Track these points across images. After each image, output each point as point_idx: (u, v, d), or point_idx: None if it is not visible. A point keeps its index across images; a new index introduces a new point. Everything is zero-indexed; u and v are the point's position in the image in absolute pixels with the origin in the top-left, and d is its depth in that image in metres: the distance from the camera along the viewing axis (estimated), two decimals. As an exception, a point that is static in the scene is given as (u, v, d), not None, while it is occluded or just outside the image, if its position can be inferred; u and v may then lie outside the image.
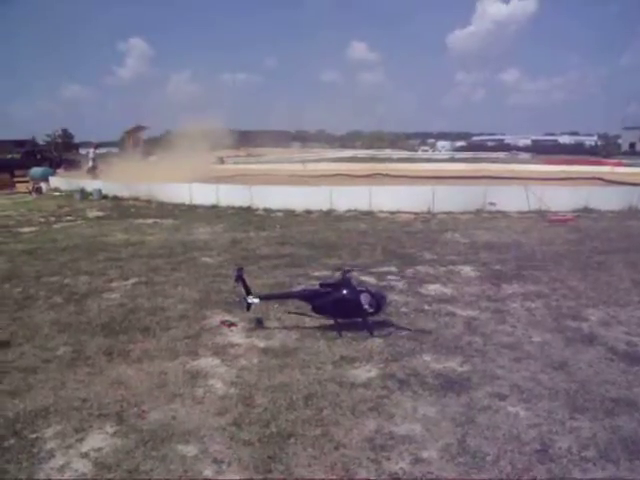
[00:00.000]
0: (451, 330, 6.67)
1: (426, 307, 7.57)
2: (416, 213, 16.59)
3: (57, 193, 25.44)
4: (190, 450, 4.17)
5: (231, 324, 6.88)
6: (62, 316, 7.36)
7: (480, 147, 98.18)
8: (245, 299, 6.72)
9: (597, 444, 4.13)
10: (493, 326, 6.80)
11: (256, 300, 6.77)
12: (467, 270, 9.66)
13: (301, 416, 4.61)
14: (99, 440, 4.34)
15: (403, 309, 7.48)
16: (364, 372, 5.50)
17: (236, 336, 6.56)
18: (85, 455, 4.13)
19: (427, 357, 5.86)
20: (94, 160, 28.52)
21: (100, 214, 18.26)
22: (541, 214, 16.03)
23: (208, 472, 3.89)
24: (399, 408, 4.75)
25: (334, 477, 3.79)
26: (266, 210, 17.77)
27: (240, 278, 6.71)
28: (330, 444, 4.19)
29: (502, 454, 4.03)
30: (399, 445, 4.18)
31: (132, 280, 9.21)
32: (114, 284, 9.04)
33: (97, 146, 33.37)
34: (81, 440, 4.34)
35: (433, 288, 8.52)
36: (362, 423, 4.50)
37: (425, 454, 4.06)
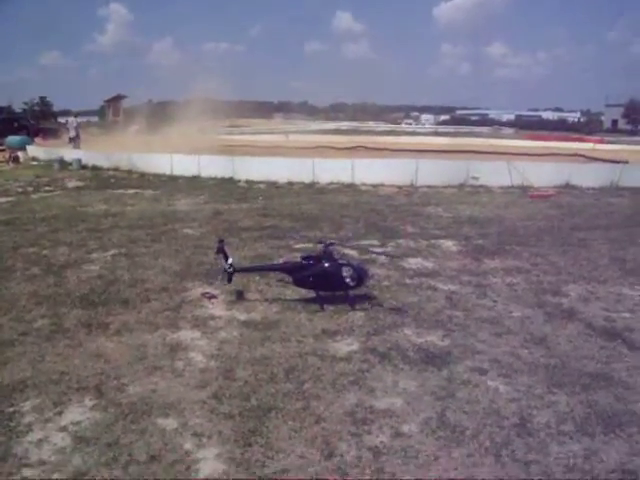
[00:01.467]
0: (432, 304, 6.68)
1: (407, 281, 7.58)
2: (399, 186, 16.54)
3: (35, 163, 24.90)
4: (170, 423, 4.14)
5: (212, 296, 6.83)
6: (40, 288, 7.24)
7: (464, 121, 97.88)
8: (226, 271, 6.65)
9: (574, 418, 4.18)
10: (474, 300, 6.83)
11: (237, 272, 6.71)
12: (449, 244, 9.68)
13: (282, 389, 4.61)
14: (78, 414, 4.29)
15: (385, 282, 7.48)
16: (345, 345, 5.50)
17: (217, 308, 6.52)
18: (64, 429, 4.09)
19: (408, 331, 5.88)
20: (76, 129, 27.65)
21: (80, 184, 17.93)
22: (523, 189, 16.08)
23: (188, 446, 3.87)
24: (380, 382, 4.76)
25: (314, 451, 3.79)
26: (248, 182, 17.59)
27: (221, 250, 6.63)
28: (311, 418, 4.19)
29: (481, 428, 4.06)
30: (379, 419, 4.19)
31: (112, 251, 9.09)
32: (93, 255, 8.92)
33: (77, 115, 32.50)
34: (60, 414, 4.29)
35: (415, 262, 8.52)
36: (343, 397, 4.51)
37: (405, 428, 4.08)
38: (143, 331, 5.84)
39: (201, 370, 4.98)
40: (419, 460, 3.70)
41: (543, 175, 16.87)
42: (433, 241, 9.88)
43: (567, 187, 16.63)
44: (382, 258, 8.64)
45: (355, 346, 5.49)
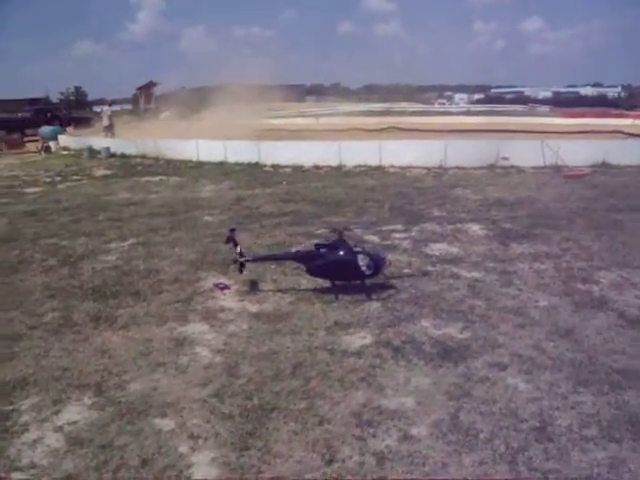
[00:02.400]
0: (453, 293, 6.36)
1: (430, 268, 7.26)
2: (427, 168, 16.06)
3: (66, 152, 25.13)
4: (167, 424, 3.96)
5: (224, 287, 6.63)
6: (54, 280, 7.18)
7: (498, 100, 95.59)
8: (237, 261, 6.44)
9: (600, 422, 3.84)
10: (498, 289, 6.48)
11: (249, 261, 6.51)
12: (475, 228, 9.28)
13: (287, 387, 4.38)
14: (75, 413, 4.15)
15: (406, 270, 7.18)
16: (358, 339, 5.25)
17: (228, 300, 6.33)
18: (59, 429, 3.96)
19: (426, 322, 5.58)
20: (110, 118, 27.58)
21: (107, 172, 17.98)
22: (557, 169, 15.44)
23: (183, 448, 3.69)
24: (391, 379, 4.50)
25: (314, 455, 3.56)
26: (274, 166, 17.35)
27: (231, 239, 6.42)
28: (314, 419, 3.96)
29: (497, 432, 3.76)
30: (387, 420, 3.93)
31: (130, 241, 8.99)
32: (112, 245, 8.83)
33: (111, 103, 32.51)
34: (57, 413, 4.16)
35: (439, 247, 8.18)
36: (350, 395, 4.26)
37: (414, 431, 3.81)
38: (151, 324, 5.69)
39: (205, 366, 4.79)
40: (426, 467, 3.43)
41: (578, 154, 16.09)
42: (459, 225, 9.49)
43: (603, 166, 15.85)
44: (404, 244, 8.33)
45: (368, 339, 5.22)
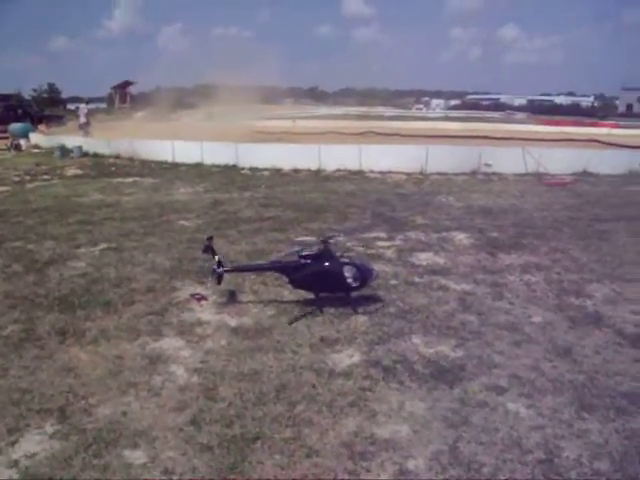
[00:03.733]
0: (443, 307, 6.06)
1: (417, 279, 6.96)
2: (408, 174, 15.83)
3: (37, 150, 24.41)
4: (138, 457, 3.56)
5: (201, 298, 6.24)
6: (18, 288, 6.69)
7: (475, 106, 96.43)
8: (215, 271, 6.05)
9: (610, 453, 3.55)
10: (490, 302, 6.20)
11: (227, 272, 6.11)
12: (461, 237, 9.02)
13: (270, 413, 4.02)
14: (35, 443, 3.72)
15: (392, 281, 6.86)
16: (345, 357, 4.90)
17: (206, 312, 5.94)
18: (14, 464, 3.51)
19: (416, 339, 5.27)
20: (86, 116, 26.84)
21: (79, 172, 17.39)
22: (539, 177, 15.32)
23: (156, 486, 3.30)
24: (383, 404, 4.16)
25: (303, 495, 3.21)
26: (252, 169, 16.96)
27: (209, 248, 6.02)
28: (302, 450, 3.60)
29: (501, 465, 3.45)
30: (381, 452, 3.60)
31: (101, 246, 8.52)
32: (81, 250, 8.35)
33: (88, 101, 31.72)
34: (13, 444, 3.72)
35: (425, 257, 7.89)
36: (340, 423, 3.91)
37: (411, 464, 3.48)
38: (122, 339, 5.26)
39: (181, 388, 4.39)
40: (427, 509, 3.11)
41: (559, 162, 16.01)
42: (444, 234, 9.22)
43: (584, 174, 15.79)
44: (389, 253, 8.03)
45: (356, 358, 4.88)
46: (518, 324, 5.61)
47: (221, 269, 6.01)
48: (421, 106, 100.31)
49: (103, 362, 4.83)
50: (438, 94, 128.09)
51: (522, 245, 8.50)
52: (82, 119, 26.45)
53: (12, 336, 5.36)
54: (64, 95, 73.62)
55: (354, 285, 5.88)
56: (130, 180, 15.45)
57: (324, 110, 68.06)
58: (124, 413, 4.05)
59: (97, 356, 4.95)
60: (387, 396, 4.27)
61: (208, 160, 18.06)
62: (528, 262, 7.65)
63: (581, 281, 6.91)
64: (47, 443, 3.72)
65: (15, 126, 28.25)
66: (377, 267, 6.75)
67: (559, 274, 7.17)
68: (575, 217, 10.53)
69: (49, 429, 3.88)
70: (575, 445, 3.65)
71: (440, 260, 7.78)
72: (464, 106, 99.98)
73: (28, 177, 16.54)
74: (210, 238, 6.12)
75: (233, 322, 5.65)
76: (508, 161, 15.98)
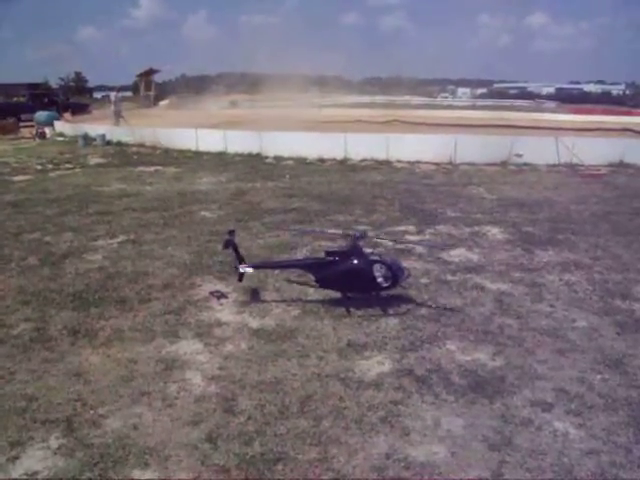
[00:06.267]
0: (479, 309, 5.65)
1: (449, 277, 6.55)
2: (437, 164, 15.35)
3: (61, 138, 24.32)
4: (148, 478, 3.25)
5: (221, 295, 5.92)
6: (32, 282, 6.44)
7: (502, 95, 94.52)
8: (237, 268, 5.70)
9: (679, 487, 3.14)
10: (528, 305, 5.77)
11: (249, 269, 5.75)
12: (495, 232, 8.56)
13: (294, 429, 3.67)
14: (37, 459, 3.43)
15: (423, 280, 6.46)
16: (375, 365, 4.54)
17: (225, 311, 5.61)
18: (15, 483, 3.23)
19: (452, 345, 4.88)
20: (117, 104, 26.54)
21: (101, 161, 17.20)
22: (572, 168, 14.70)
23: (166, 514, 2.98)
24: (417, 420, 3.79)
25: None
26: (276, 158, 16.59)
27: (230, 243, 5.66)
28: (328, 474, 3.25)
29: (553, 498, 3.06)
30: (416, 478, 3.23)
31: (119, 238, 8.26)
32: (99, 242, 8.09)
33: (119, 90, 31.37)
34: (14, 460, 3.43)
35: (457, 253, 7.46)
36: (370, 442, 3.55)
37: (451, 494, 3.11)
38: (136, 341, 4.96)
39: (197, 398, 4.07)
40: None
41: (594, 152, 15.34)
42: (477, 228, 8.77)
43: (620, 166, 15.14)
44: (419, 248, 7.61)
45: (387, 366, 4.51)
46: (561, 329, 5.18)
47: (243, 266, 5.65)
48: (447, 94, 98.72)
49: (115, 367, 4.53)
50: (463, 82, 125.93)
51: (559, 241, 8.02)
52: (113, 107, 26.24)
53: (22, 336, 5.09)
54: (91, 84, 74.10)
55: (384, 285, 5.50)
56: (152, 169, 15.18)
57: (349, 99, 67.17)
58: (135, 426, 3.74)
59: (109, 360, 4.65)
60: (421, 411, 3.90)
61: (231, 149, 17.74)
62: (567, 260, 7.19)
63: (626, 282, 6.44)
64: (50, 460, 3.43)
65: (40, 114, 28.20)
66: (406, 264, 6.37)
67: (601, 274, 6.70)
68: (613, 211, 9.98)
69: (53, 443, 3.58)
70: (637, 476, 3.24)
71: (473, 256, 7.35)
72: (490, 94, 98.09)
73: (50, 166, 16.38)
74: (232, 232, 5.76)
75: (254, 323, 5.31)
76: (540, 151, 15.36)
